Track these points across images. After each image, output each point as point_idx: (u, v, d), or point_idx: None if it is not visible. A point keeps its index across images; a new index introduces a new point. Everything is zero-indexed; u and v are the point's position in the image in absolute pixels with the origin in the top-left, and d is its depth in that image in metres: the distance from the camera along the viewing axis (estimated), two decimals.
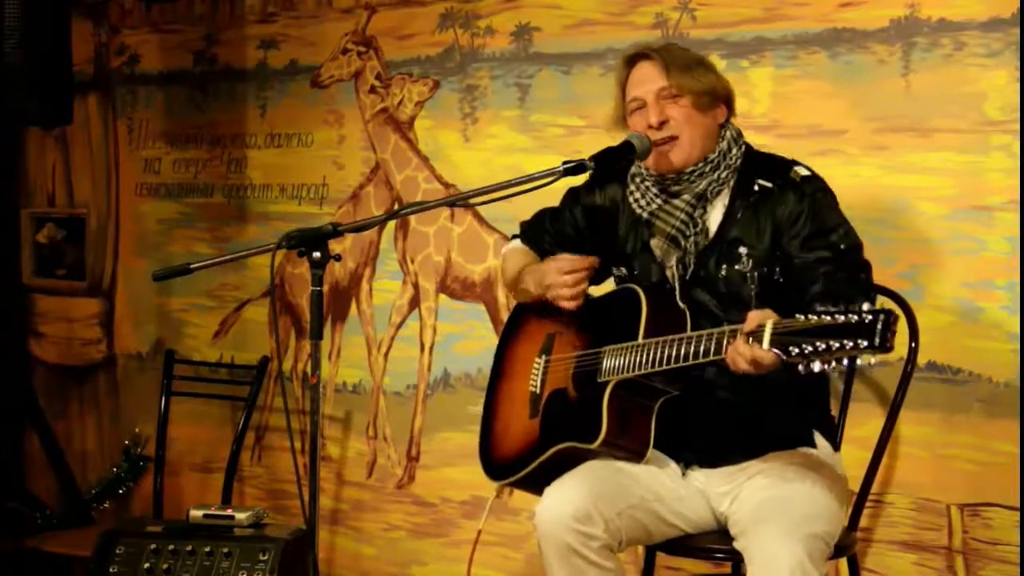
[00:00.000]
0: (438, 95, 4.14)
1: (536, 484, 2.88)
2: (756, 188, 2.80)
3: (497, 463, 3.02)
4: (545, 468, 2.85)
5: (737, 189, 2.81)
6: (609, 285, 3.00)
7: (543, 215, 3.11)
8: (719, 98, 2.83)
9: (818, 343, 2.27)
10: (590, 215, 3.01)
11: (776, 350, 2.36)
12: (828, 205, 2.77)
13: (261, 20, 4.53)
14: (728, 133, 2.85)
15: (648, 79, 2.82)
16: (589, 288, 3.05)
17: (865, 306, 2.26)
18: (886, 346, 2.25)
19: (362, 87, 4.30)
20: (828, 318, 2.28)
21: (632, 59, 2.87)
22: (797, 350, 2.30)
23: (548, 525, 2.67)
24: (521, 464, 2.91)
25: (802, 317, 2.32)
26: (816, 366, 2.30)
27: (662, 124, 2.79)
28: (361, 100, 4.30)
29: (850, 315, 2.26)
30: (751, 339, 2.43)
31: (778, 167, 2.83)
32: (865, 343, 2.24)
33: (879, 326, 2.24)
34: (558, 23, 3.89)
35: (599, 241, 2.98)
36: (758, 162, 2.85)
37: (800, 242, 2.73)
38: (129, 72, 4.86)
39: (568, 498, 2.67)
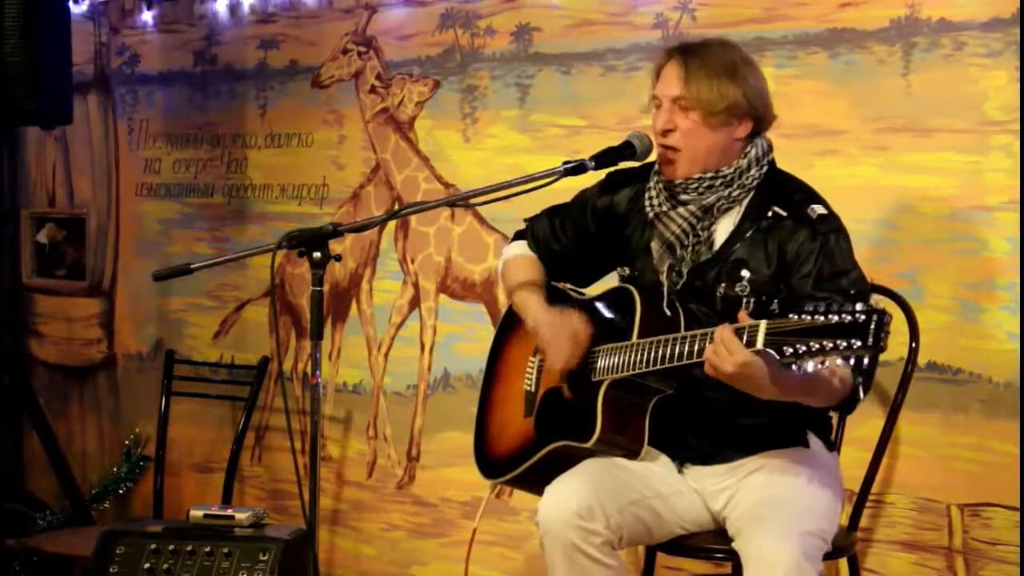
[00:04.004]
0: (438, 95, 4.14)
1: (531, 483, 2.89)
2: (770, 214, 2.75)
3: (492, 461, 3.02)
4: (540, 467, 2.85)
5: (750, 210, 2.77)
6: (611, 281, 3.00)
7: (551, 217, 3.06)
8: (739, 114, 2.75)
9: (812, 343, 2.27)
10: (602, 219, 2.97)
11: (770, 350, 2.35)
12: (841, 248, 2.70)
13: (261, 20, 4.53)
14: (753, 151, 2.78)
15: (669, 82, 2.76)
16: (590, 287, 3.07)
17: (859, 306, 2.26)
18: (879, 345, 2.24)
19: (362, 87, 4.30)
20: (822, 318, 2.28)
21: (667, 53, 2.81)
22: (791, 350, 2.30)
23: (551, 522, 2.67)
24: (516, 462, 2.92)
25: (795, 317, 2.32)
26: (809, 366, 2.30)
27: (666, 132, 2.76)
28: (361, 100, 4.30)
29: (844, 315, 2.26)
30: (743, 338, 2.42)
31: (797, 199, 2.76)
32: (859, 343, 2.24)
33: (872, 325, 2.24)
34: (558, 23, 3.89)
35: (607, 244, 2.96)
36: (778, 187, 2.79)
37: (811, 283, 2.67)
38: (129, 72, 4.87)
39: (570, 494, 2.67)
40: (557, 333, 2.84)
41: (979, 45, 3.19)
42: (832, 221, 2.73)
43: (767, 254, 2.73)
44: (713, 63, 2.74)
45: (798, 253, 2.70)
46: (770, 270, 2.72)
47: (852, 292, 2.62)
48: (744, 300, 2.72)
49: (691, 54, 2.76)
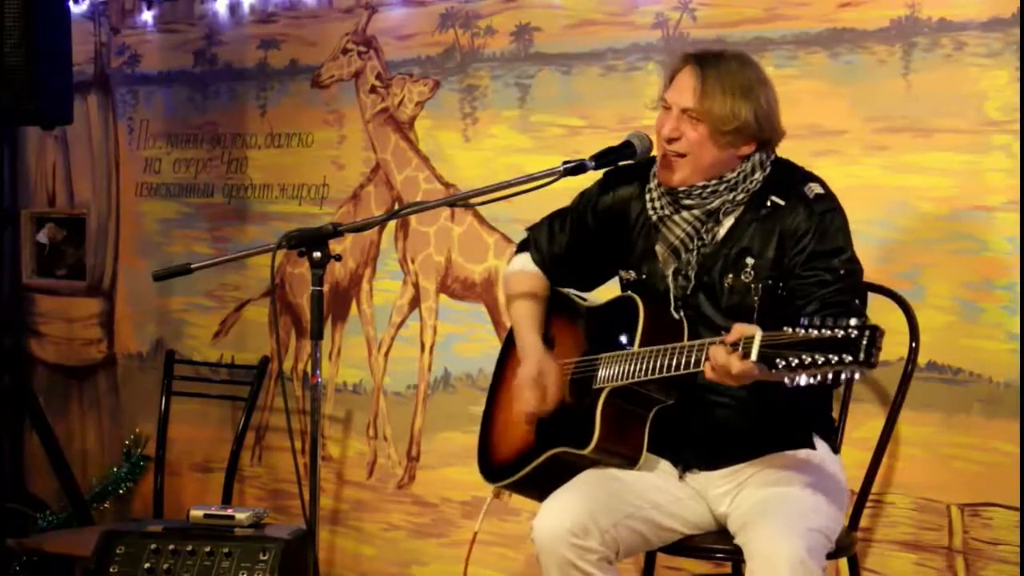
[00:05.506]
0: (438, 95, 4.14)
1: (531, 488, 2.90)
2: (768, 204, 2.75)
3: (494, 465, 3.03)
4: (539, 473, 2.86)
5: (749, 203, 2.78)
6: (614, 286, 3.00)
7: (552, 222, 3.05)
8: (746, 135, 2.73)
9: (804, 356, 2.28)
10: (604, 218, 2.96)
11: (762, 363, 2.36)
12: (837, 227, 2.71)
13: (261, 20, 4.53)
14: (756, 156, 2.78)
15: (682, 91, 2.73)
16: (594, 290, 3.06)
17: (853, 321, 2.26)
18: (870, 362, 2.25)
19: (362, 87, 4.30)
20: (815, 332, 2.28)
21: (684, 59, 2.78)
22: (783, 363, 2.30)
23: (546, 540, 2.67)
24: (516, 467, 2.92)
25: (789, 330, 2.32)
26: (802, 380, 2.30)
27: (672, 140, 2.75)
28: (361, 100, 4.30)
29: (836, 330, 2.26)
30: (739, 351, 2.43)
31: (793, 181, 2.78)
32: (850, 358, 2.25)
33: (864, 341, 2.25)
34: (558, 23, 3.89)
35: (610, 244, 2.95)
36: (776, 177, 2.79)
37: (802, 260, 2.69)
38: (129, 72, 4.87)
39: (564, 512, 2.68)
40: (520, 383, 2.87)
41: (979, 45, 3.19)
42: (829, 200, 2.75)
43: (767, 238, 2.74)
44: (729, 79, 2.71)
45: (795, 229, 2.71)
46: (773, 252, 2.73)
47: (843, 272, 2.67)
48: (752, 287, 2.73)
49: (709, 65, 2.73)
